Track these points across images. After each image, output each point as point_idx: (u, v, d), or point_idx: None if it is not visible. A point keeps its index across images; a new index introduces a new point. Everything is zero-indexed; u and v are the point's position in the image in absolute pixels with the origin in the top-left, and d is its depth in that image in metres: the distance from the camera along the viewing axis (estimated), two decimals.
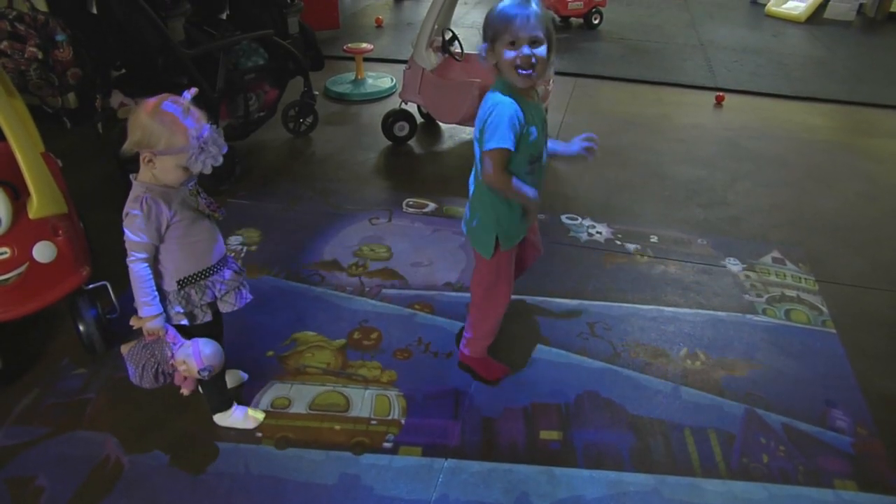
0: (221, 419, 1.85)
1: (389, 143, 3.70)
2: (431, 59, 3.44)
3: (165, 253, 1.56)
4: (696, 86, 4.83)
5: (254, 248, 2.70)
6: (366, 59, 4.61)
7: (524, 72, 1.57)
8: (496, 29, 1.56)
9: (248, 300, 1.73)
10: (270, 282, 2.49)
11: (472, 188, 1.85)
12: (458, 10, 4.58)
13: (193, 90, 1.49)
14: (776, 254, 2.80)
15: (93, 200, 2.64)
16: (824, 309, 2.46)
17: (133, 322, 1.57)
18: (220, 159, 1.48)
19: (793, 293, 2.55)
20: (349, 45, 4.49)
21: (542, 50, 1.56)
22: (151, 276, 1.53)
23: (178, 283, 1.59)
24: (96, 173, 3.15)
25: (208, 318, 1.66)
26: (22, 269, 1.87)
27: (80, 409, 1.90)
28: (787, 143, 3.93)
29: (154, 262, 1.56)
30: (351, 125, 3.99)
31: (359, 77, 4.50)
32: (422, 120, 3.90)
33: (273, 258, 2.63)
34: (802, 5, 6.90)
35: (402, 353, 2.16)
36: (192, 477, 1.71)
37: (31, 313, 1.92)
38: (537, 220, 2.10)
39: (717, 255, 2.76)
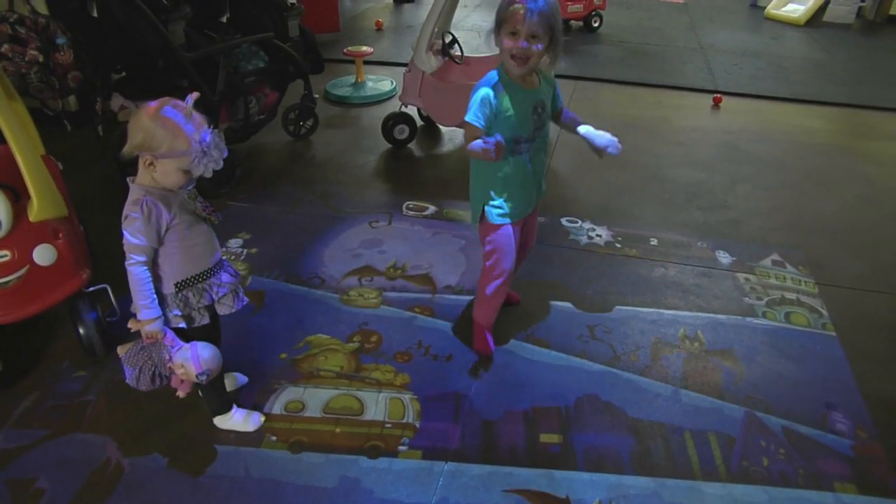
0: (221, 422, 1.85)
1: (389, 146, 3.70)
2: (431, 63, 3.45)
3: (164, 256, 1.56)
4: (695, 89, 4.84)
5: (254, 250, 2.70)
6: (366, 63, 4.62)
7: (517, 62, 1.72)
8: (502, 17, 1.72)
9: (245, 303, 1.74)
10: (270, 284, 2.49)
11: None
12: (458, 14, 4.59)
13: (195, 95, 1.49)
14: (776, 256, 2.80)
15: (93, 203, 2.64)
16: (824, 312, 2.46)
17: (131, 325, 1.57)
18: (221, 163, 1.49)
19: (792, 296, 2.55)
20: (349, 48, 4.50)
21: (539, 46, 1.69)
22: (150, 279, 1.53)
23: (176, 286, 1.59)
24: (97, 176, 3.15)
25: (206, 320, 1.66)
26: (22, 271, 1.87)
27: (80, 412, 1.90)
28: (787, 146, 3.94)
29: (152, 265, 1.56)
30: (351, 128, 4.00)
31: (359, 80, 4.51)
32: (422, 123, 3.90)
33: (273, 261, 2.63)
34: (802, 8, 6.92)
35: (402, 356, 2.16)
36: (192, 479, 1.71)
37: (31, 316, 1.92)
38: (537, 217, 2.14)
39: (716, 258, 2.77)
